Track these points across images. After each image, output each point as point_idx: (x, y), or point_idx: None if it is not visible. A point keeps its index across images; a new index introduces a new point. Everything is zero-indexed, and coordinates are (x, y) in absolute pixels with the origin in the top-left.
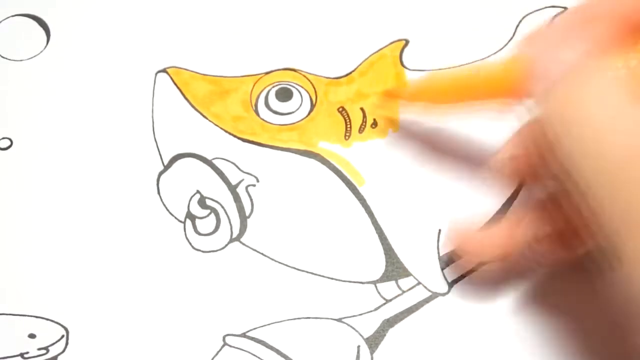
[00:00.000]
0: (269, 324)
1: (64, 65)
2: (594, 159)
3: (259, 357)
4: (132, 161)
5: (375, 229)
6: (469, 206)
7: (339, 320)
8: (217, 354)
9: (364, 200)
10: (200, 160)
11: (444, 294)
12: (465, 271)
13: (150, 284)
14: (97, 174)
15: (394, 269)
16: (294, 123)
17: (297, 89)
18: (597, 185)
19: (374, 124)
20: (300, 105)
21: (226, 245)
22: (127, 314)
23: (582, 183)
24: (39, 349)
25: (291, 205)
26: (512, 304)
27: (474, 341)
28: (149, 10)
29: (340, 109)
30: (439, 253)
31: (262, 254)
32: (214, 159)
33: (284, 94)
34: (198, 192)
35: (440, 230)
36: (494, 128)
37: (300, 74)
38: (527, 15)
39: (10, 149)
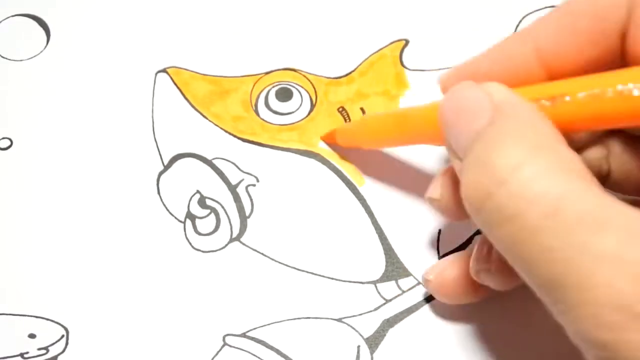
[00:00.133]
0: (269, 324)
1: (64, 65)
2: (507, 227)
3: (259, 357)
4: (132, 161)
5: (375, 229)
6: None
7: (339, 320)
8: (217, 354)
9: (364, 200)
10: (200, 160)
11: None
12: None
13: (150, 284)
14: (97, 174)
15: (394, 269)
16: (294, 123)
17: (297, 89)
18: (513, 257)
19: None
20: (300, 105)
21: (226, 245)
22: (127, 314)
23: (500, 248)
24: (39, 349)
25: (291, 205)
26: (512, 304)
27: (474, 341)
28: (149, 10)
29: (340, 109)
30: (439, 253)
31: (262, 254)
32: (214, 159)
33: (284, 94)
34: (198, 192)
35: (440, 230)
36: None
37: (300, 74)
38: (527, 15)
39: (10, 149)
